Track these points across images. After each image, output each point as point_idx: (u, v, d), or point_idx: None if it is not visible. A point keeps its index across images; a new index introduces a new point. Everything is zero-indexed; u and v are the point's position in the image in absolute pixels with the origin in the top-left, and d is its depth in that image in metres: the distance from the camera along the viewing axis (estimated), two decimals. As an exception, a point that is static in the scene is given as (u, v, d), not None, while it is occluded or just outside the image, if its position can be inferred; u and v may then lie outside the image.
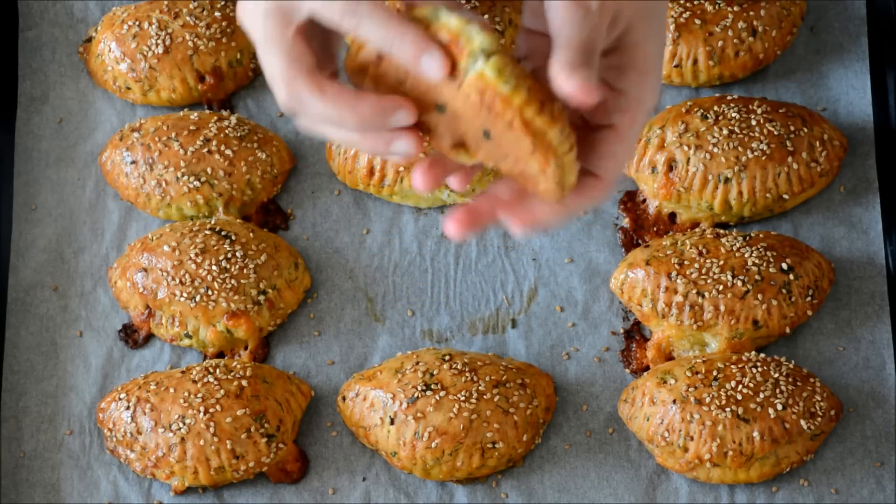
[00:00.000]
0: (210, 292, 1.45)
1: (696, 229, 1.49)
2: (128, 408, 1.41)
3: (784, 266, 1.44)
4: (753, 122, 1.48)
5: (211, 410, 1.39)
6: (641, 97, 1.09)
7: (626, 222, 1.52)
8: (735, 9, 1.54)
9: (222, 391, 1.40)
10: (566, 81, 1.02)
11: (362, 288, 1.51)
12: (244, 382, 1.41)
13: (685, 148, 1.48)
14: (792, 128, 1.49)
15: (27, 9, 1.62)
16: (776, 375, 1.40)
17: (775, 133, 1.48)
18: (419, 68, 1.02)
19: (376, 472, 1.43)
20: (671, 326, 1.44)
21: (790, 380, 1.40)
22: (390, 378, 1.41)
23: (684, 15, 1.54)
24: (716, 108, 1.49)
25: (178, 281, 1.45)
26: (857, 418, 1.44)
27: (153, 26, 1.55)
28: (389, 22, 1.01)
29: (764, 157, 1.47)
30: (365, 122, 1.04)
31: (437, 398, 1.39)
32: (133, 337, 1.49)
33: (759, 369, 1.40)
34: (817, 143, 1.50)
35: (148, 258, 1.46)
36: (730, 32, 1.53)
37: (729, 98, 1.51)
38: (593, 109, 1.10)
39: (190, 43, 1.55)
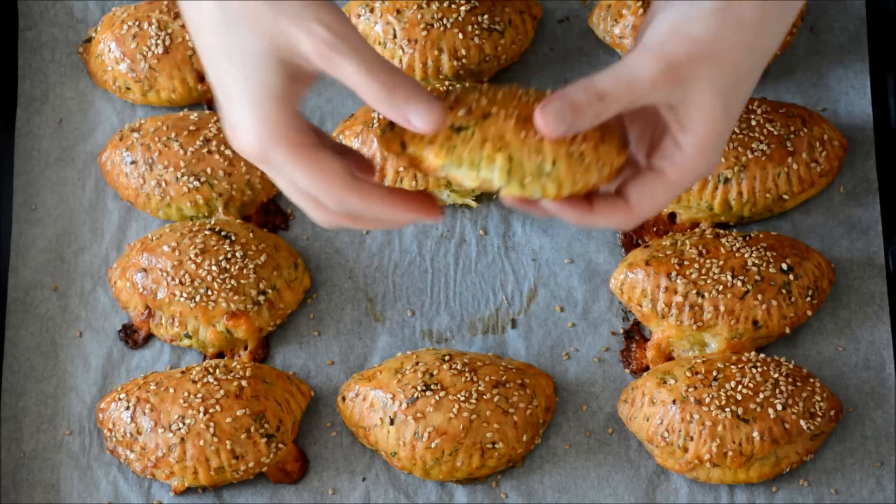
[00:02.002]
0: (210, 292, 1.45)
1: (696, 229, 1.49)
2: (128, 408, 1.41)
3: (784, 266, 1.44)
4: (753, 123, 1.48)
5: (211, 411, 1.39)
6: (694, 157, 1.16)
7: (625, 222, 1.52)
8: (735, 9, 1.54)
9: (222, 391, 1.40)
10: (546, 103, 1.13)
11: (362, 288, 1.51)
12: (244, 383, 1.41)
13: (685, 148, 1.48)
14: (792, 128, 1.49)
15: (27, 9, 1.62)
16: (776, 375, 1.40)
17: (775, 133, 1.48)
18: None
19: (376, 472, 1.43)
20: (671, 326, 1.44)
21: (790, 380, 1.40)
22: (390, 378, 1.41)
23: (684, 15, 1.54)
24: (716, 108, 1.49)
25: (177, 281, 1.45)
26: (857, 418, 1.44)
27: (153, 26, 1.55)
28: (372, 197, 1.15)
29: (764, 158, 1.47)
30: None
31: (437, 398, 1.39)
32: (133, 337, 1.49)
33: (759, 369, 1.40)
34: (817, 144, 1.50)
35: (148, 258, 1.46)
36: (730, 32, 1.53)
37: (729, 98, 1.51)
38: (651, 149, 1.19)
39: (190, 43, 1.55)
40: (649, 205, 1.19)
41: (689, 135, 1.16)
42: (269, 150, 1.13)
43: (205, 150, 1.50)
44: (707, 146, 1.16)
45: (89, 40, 1.60)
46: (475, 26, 1.52)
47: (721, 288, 1.42)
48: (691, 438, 1.38)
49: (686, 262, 1.44)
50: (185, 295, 1.45)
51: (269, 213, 1.53)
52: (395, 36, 1.52)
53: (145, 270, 1.46)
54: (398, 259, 1.52)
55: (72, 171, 1.56)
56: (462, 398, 1.39)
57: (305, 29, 1.10)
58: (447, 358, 1.42)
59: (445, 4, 1.52)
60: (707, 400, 1.38)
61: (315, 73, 1.13)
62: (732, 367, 1.40)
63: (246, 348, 1.47)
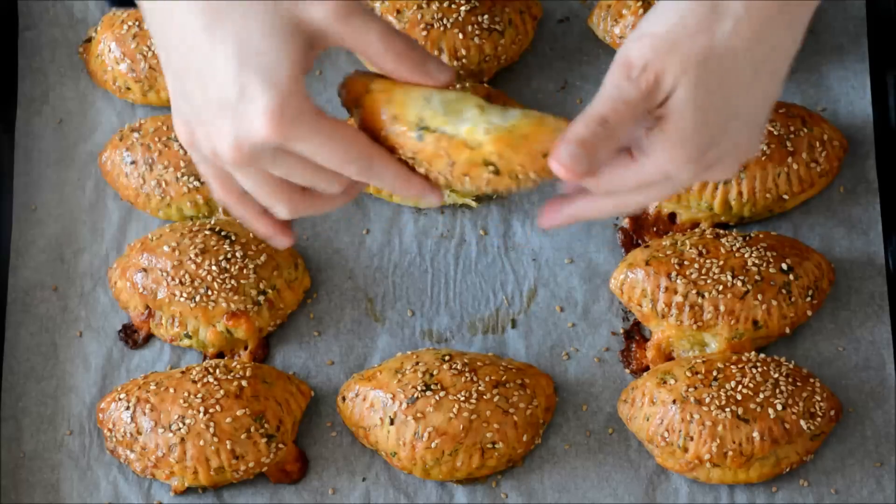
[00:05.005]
0: (210, 292, 1.45)
1: (696, 229, 1.49)
2: (128, 408, 1.41)
3: (784, 266, 1.44)
4: (753, 123, 1.48)
5: (211, 411, 1.39)
6: (664, 166, 1.09)
7: (625, 222, 1.52)
8: (735, 9, 1.54)
9: (222, 391, 1.40)
10: (555, 150, 1.08)
11: (362, 288, 1.51)
12: (244, 383, 1.41)
13: (685, 148, 1.48)
14: (792, 128, 1.49)
15: (27, 9, 1.62)
16: (776, 375, 1.40)
17: (775, 133, 1.48)
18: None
19: (376, 472, 1.43)
20: (671, 326, 1.44)
21: (790, 380, 1.40)
22: (390, 378, 1.41)
23: (684, 15, 1.53)
24: (716, 108, 1.49)
25: (177, 281, 1.45)
26: (857, 418, 1.44)
27: (153, 26, 1.55)
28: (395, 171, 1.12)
29: (764, 158, 1.47)
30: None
31: (437, 398, 1.39)
32: (133, 337, 1.49)
33: (759, 369, 1.40)
34: (817, 144, 1.50)
35: (148, 258, 1.46)
36: (730, 32, 1.53)
37: (729, 98, 1.51)
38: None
39: (190, 43, 1.55)
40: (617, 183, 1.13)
41: (659, 136, 1.09)
42: (290, 131, 1.04)
43: (205, 150, 1.50)
44: (681, 140, 1.08)
45: (89, 40, 1.60)
46: (475, 26, 1.52)
47: (721, 288, 1.42)
48: (691, 438, 1.38)
49: (686, 262, 1.44)
50: (185, 295, 1.45)
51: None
52: (395, 36, 1.52)
53: (145, 270, 1.46)
54: (398, 259, 1.52)
55: (72, 172, 1.56)
56: (462, 398, 1.39)
57: None
58: (447, 358, 1.42)
59: (445, 4, 1.52)
60: (707, 400, 1.38)
61: (323, 43, 1.06)
62: (732, 367, 1.40)
63: (246, 348, 1.47)
